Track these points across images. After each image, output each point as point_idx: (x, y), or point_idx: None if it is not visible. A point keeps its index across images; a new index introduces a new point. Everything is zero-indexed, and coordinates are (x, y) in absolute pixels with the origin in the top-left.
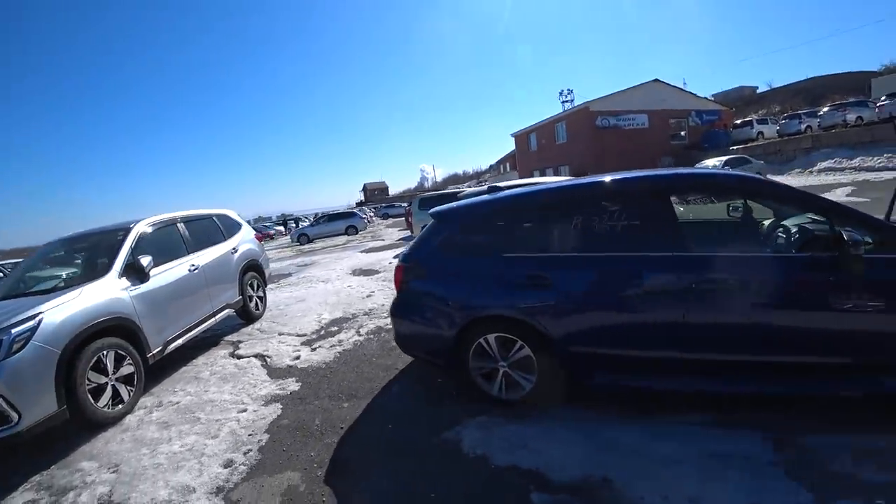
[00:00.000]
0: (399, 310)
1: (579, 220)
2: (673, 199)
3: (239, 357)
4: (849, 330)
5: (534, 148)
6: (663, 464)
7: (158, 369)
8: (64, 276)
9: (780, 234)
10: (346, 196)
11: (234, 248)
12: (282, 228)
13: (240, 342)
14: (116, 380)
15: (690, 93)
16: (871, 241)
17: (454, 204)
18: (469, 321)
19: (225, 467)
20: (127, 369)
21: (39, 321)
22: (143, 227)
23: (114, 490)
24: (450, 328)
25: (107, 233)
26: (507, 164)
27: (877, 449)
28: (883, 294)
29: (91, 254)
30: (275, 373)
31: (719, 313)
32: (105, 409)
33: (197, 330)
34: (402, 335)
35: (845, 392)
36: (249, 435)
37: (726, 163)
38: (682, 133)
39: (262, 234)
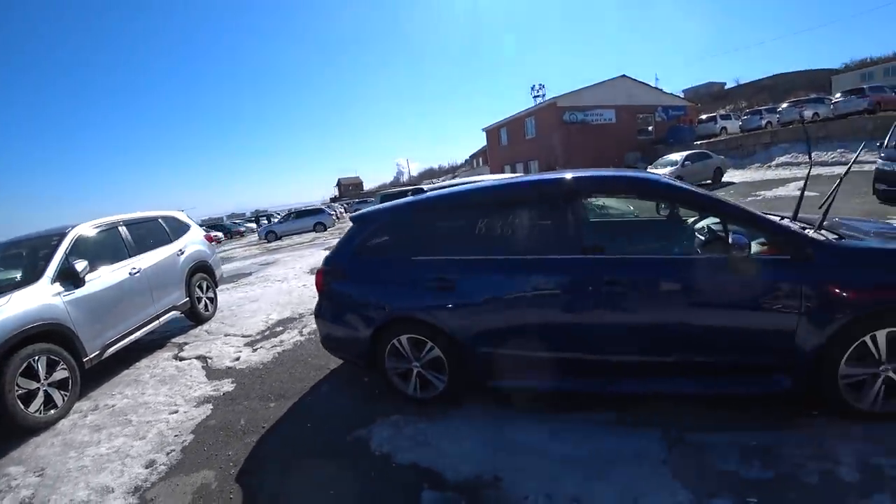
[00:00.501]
0: (321, 311)
1: (481, 223)
2: (584, 200)
3: (181, 359)
4: (740, 330)
5: (504, 143)
6: (556, 462)
7: (99, 373)
8: (6, 280)
9: (696, 234)
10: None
11: (180, 250)
12: (254, 225)
13: (185, 344)
14: (49, 385)
15: (657, 88)
16: (764, 242)
17: (373, 207)
18: (383, 322)
19: (146, 468)
20: (61, 374)
21: None
22: (79, 232)
23: (36, 493)
24: (366, 329)
25: (42, 238)
26: (481, 159)
27: (764, 446)
28: (768, 294)
29: (25, 259)
30: (213, 374)
31: (617, 315)
32: (36, 414)
33: (138, 333)
34: (326, 336)
35: (740, 391)
36: (175, 436)
37: (687, 157)
38: (650, 128)
39: (231, 233)
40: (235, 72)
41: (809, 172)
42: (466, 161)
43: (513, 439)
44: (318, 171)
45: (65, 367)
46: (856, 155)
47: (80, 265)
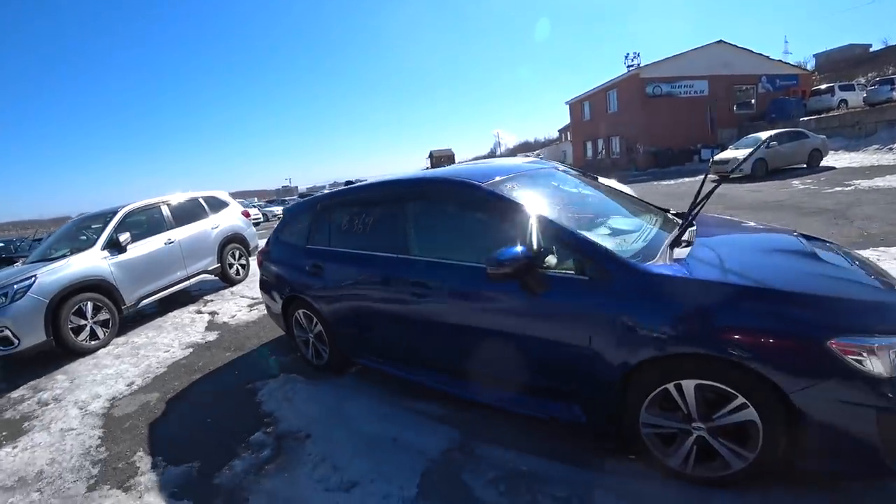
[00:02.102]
0: (260, 285)
1: (348, 219)
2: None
3: (199, 313)
4: (534, 349)
5: (587, 117)
6: (358, 436)
7: (145, 317)
8: (69, 248)
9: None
10: (416, 163)
11: (215, 225)
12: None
13: (210, 301)
14: (94, 323)
15: (762, 55)
16: (557, 259)
17: (296, 201)
18: (286, 298)
19: (126, 386)
20: (104, 316)
21: (34, 280)
22: (127, 210)
23: (63, 392)
24: (278, 302)
25: (103, 214)
26: (568, 134)
27: (531, 474)
28: (557, 315)
29: (91, 230)
30: (211, 326)
31: (425, 316)
32: (83, 342)
33: (170, 289)
34: (266, 306)
35: (538, 414)
36: (156, 368)
37: (774, 137)
38: (751, 101)
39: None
40: (339, 45)
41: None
42: (560, 132)
43: (346, 412)
44: (414, 142)
45: (107, 311)
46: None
47: (123, 236)
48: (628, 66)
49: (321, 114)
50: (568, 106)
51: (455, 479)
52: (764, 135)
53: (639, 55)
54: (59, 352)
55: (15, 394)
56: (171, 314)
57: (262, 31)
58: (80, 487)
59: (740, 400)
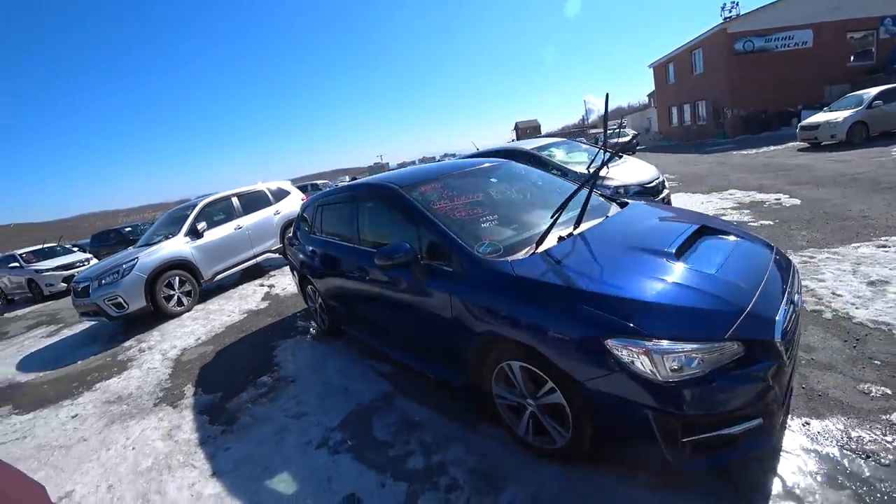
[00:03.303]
0: (289, 265)
1: (328, 214)
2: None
3: (261, 286)
4: (424, 323)
5: (672, 81)
6: (323, 383)
7: (223, 288)
8: (164, 234)
9: None
10: (503, 134)
11: (277, 211)
12: None
13: (272, 276)
14: (180, 293)
15: None
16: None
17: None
18: (299, 277)
19: (195, 340)
20: (187, 288)
21: (136, 261)
22: (204, 202)
23: (156, 342)
24: (296, 279)
25: (187, 206)
26: (655, 99)
27: (415, 421)
28: (431, 297)
29: (178, 220)
30: (265, 297)
31: (368, 293)
32: (172, 308)
33: (240, 266)
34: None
35: (431, 374)
36: (217, 329)
37: (879, 95)
38: (871, 49)
39: None
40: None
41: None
42: (647, 102)
43: (325, 366)
44: (501, 114)
45: (189, 284)
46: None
47: (201, 225)
48: (724, 19)
49: (412, 90)
50: (651, 69)
51: (366, 419)
52: (874, 91)
53: (738, 4)
54: (154, 315)
55: (126, 343)
56: (241, 286)
57: (360, 15)
58: (149, 403)
59: (550, 384)
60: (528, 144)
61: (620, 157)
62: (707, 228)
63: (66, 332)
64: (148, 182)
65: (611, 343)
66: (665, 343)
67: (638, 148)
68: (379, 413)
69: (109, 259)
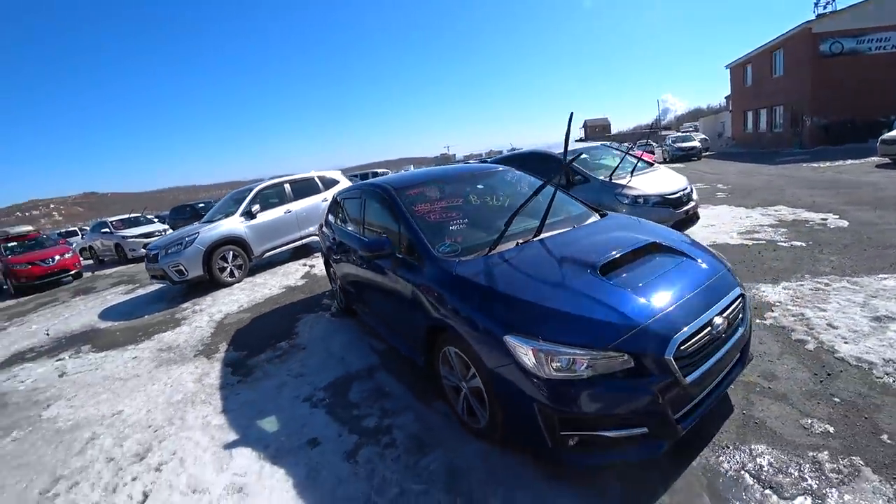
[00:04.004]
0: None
1: (345, 207)
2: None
3: (304, 265)
4: (398, 306)
5: (749, 83)
6: (326, 353)
7: (272, 264)
8: (223, 214)
9: None
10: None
11: (325, 199)
12: None
13: (316, 256)
14: (233, 266)
15: None
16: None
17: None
18: (325, 260)
19: (237, 307)
20: (239, 262)
21: (197, 235)
22: (259, 187)
23: (207, 306)
24: (323, 262)
25: (245, 190)
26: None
27: (385, 391)
28: (400, 285)
29: (237, 201)
30: (305, 276)
31: (364, 277)
32: (225, 278)
33: (287, 246)
34: None
35: (403, 352)
36: (258, 299)
37: None
38: None
39: None
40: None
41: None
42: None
43: (332, 339)
44: (574, 110)
45: (241, 259)
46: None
47: (255, 207)
48: (817, 15)
49: (480, 84)
50: (728, 70)
51: (348, 385)
52: None
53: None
54: (209, 283)
55: (184, 305)
56: (288, 264)
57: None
58: (190, 354)
59: (473, 370)
60: (557, 149)
61: (651, 165)
62: (659, 245)
63: (140, 291)
64: (228, 161)
65: (507, 339)
66: (551, 345)
67: (704, 154)
68: (360, 381)
69: (177, 231)
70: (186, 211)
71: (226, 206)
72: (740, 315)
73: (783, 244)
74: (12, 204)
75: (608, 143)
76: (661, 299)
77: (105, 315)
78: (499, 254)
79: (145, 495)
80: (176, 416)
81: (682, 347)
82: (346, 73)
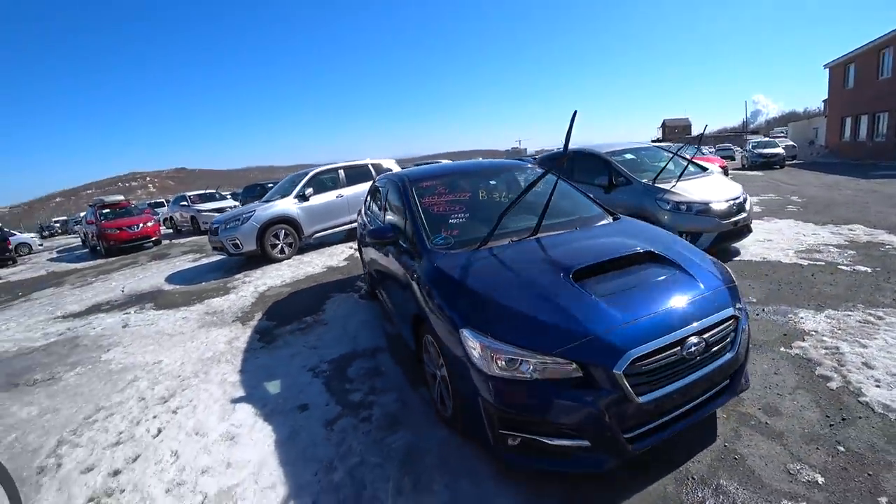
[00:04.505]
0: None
1: (374, 196)
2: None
3: (350, 248)
4: (402, 288)
5: (850, 85)
6: (342, 330)
7: (322, 245)
8: (280, 195)
9: None
10: (648, 132)
11: None
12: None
13: None
14: (284, 243)
15: None
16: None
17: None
18: (358, 244)
19: (280, 282)
20: (290, 240)
21: (254, 213)
22: (314, 172)
23: (256, 279)
24: (358, 244)
25: (300, 175)
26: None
27: (380, 370)
28: (405, 272)
29: (293, 184)
30: (348, 258)
31: (379, 260)
32: (276, 254)
33: (336, 229)
34: None
35: (403, 336)
36: (300, 276)
37: None
38: None
39: None
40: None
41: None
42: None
43: (351, 319)
44: (655, 108)
45: (292, 237)
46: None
47: (308, 191)
48: None
49: (555, 80)
50: (827, 70)
51: (350, 361)
52: None
53: None
54: (261, 258)
55: (236, 276)
56: (335, 247)
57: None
58: (230, 319)
59: (443, 359)
60: (604, 148)
61: (705, 170)
62: (654, 255)
63: (204, 261)
64: (306, 144)
65: (462, 332)
66: (499, 343)
67: (789, 163)
68: (363, 359)
69: (238, 209)
70: (256, 189)
71: (283, 187)
72: (729, 338)
73: (844, 267)
74: (116, 175)
75: (658, 144)
76: (628, 310)
77: (170, 279)
78: (488, 249)
79: (159, 430)
80: (202, 371)
81: (640, 364)
82: (431, 63)
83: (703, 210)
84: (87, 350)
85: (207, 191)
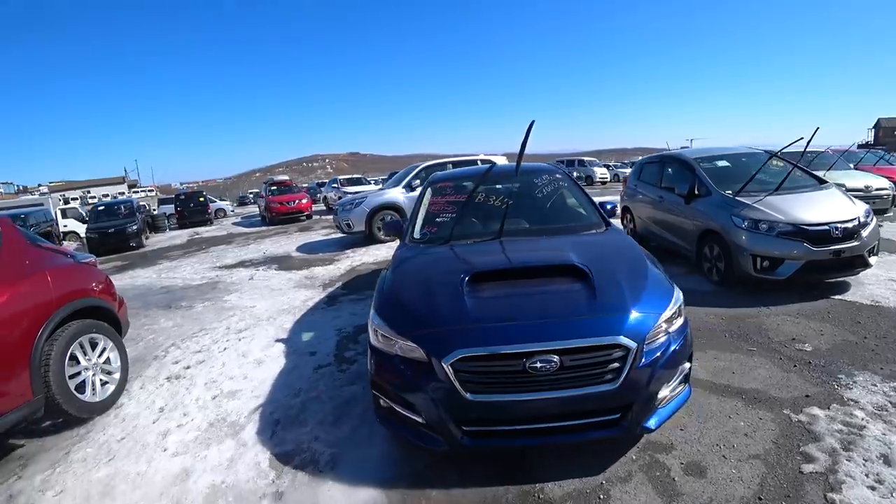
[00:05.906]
0: None
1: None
2: None
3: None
4: None
5: None
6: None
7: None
8: (393, 185)
9: None
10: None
11: None
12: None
13: None
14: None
15: None
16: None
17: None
18: None
19: (372, 260)
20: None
21: (366, 199)
22: (421, 166)
23: (355, 256)
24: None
25: (411, 168)
26: None
27: None
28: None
29: (405, 175)
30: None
31: None
32: (381, 236)
33: None
34: None
35: None
36: (370, 263)
37: None
38: None
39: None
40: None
41: None
42: None
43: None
44: (861, 106)
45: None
46: None
47: (415, 182)
48: None
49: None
50: None
51: (354, 338)
52: None
53: None
54: (368, 238)
55: (346, 251)
56: (390, 242)
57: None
58: (318, 284)
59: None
60: (693, 153)
61: (822, 183)
62: (576, 268)
63: (332, 236)
64: (467, 133)
65: (371, 315)
66: (381, 322)
67: None
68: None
69: (356, 195)
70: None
71: (399, 178)
72: (608, 368)
73: None
74: (301, 156)
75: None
76: (481, 313)
77: (300, 248)
78: (448, 246)
79: (224, 349)
80: (273, 316)
81: (473, 364)
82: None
83: (789, 232)
84: (218, 292)
85: (355, 176)
